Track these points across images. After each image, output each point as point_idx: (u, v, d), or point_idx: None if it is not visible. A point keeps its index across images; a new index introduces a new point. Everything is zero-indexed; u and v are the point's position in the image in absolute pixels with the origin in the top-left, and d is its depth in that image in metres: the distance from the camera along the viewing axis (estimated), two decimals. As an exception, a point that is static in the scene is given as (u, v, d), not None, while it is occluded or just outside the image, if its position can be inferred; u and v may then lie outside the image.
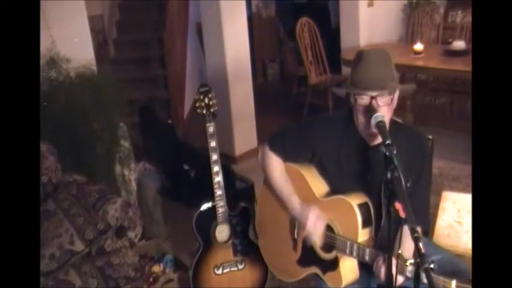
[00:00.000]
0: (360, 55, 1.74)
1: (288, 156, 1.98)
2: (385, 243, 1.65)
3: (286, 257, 2.01)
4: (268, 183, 2.06)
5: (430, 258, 1.46)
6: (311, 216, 1.84)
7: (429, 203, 1.95)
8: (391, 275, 1.57)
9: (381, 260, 1.70)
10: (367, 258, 1.74)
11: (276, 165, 2.00)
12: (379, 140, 1.74)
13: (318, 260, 1.90)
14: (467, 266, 1.65)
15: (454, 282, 1.50)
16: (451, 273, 1.59)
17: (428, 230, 1.94)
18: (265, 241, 2.17)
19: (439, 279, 1.52)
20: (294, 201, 1.93)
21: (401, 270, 1.60)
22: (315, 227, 1.85)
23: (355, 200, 1.77)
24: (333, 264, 1.84)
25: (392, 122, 1.77)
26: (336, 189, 1.88)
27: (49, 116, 2.58)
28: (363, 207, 1.77)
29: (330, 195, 1.87)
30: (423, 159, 1.86)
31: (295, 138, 1.95)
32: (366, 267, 1.86)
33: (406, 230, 1.67)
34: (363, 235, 1.76)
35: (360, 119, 1.74)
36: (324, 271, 1.88)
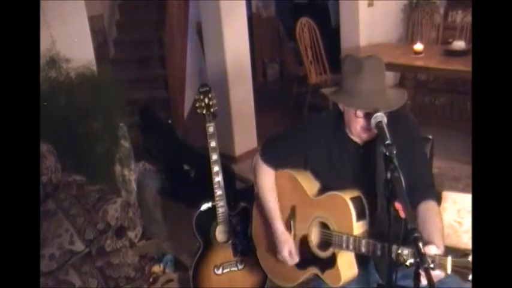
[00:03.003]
0: (359, 65, 1.70)
1: (280, 164, 2.01)
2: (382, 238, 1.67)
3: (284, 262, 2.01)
4: (258, 195, 2.08)
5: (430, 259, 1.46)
6: (285, 254, 1.95)
7: (432, 176, 1.93)
8: (391, 273, 1.56)
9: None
10: (363, 249, 1.74)
11: (266, 179, 2.03)
12: (369, 138, 1.78)
13: (316, 259, 1.91)
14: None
15: (449, 259, 1.50)
16: None
17: (440, 202, 1.93)
18: (263, 250, 2.17)
19: (435, 256, 1.52)
20: (276, 226, 1.99)
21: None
22: (286, 262, 1.97)
23: (347, 195, 1.78)
24: (331, 262, 1.84)
25: None
26: (329, 188, 1.88)
27: (49, 116, 2.57)
28: (356, 200, 1.78)
29: (323, 192, 1.88)
30: (411, 137, 1.85)
31: (286, 147, 1.97)
32: (365, 267, 1.87)
33: (429, 217, 1.71)
34: (358, 228, 1.77)
35: (358, 128, 1.76)
36: (323, 270, 1.88)
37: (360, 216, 1.77)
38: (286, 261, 1.97)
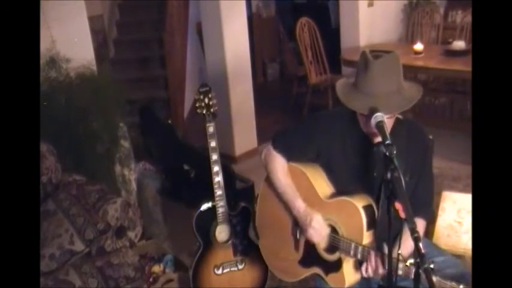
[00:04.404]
0: (368, 64, 1.65)
1: (292, 155, 1.96)
2: (383, 240, 1.67)
3: (288, 257, 2.00)
4: (270, 182, 2.03)
5: (431, 259, 1.47)
6: (315, 224, 1.84)
7: (434, 195, 1.94)
8: (391, 274, 1.56)
9: (372, 256, 1.70)
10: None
11: (279, 164, 1.98)
12: (372, 134, 1.76)
13: (321, 260, 1.90)
14: (468, 269, 1.65)
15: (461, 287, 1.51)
16: (453, 276, 1.59)
17: (433, 221, 1.95)
18: (266, 241, 2.16)
19: (447, 284, 1.52)
20: (298, 204, 1.91)
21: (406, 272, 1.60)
22: (317, 235, 1.86)
23: (360, 202, 1.76)
24: (336, 266, 1.84)
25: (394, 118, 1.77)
26: (341, 186, 1.87)
27: (49, 116, 2.57)
28: (368, 209, 1.76)
29: (335, 196, 1.86)
30: (425, 153, 1.85)
31: (300, 137, 1.93)
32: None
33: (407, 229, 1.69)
34: (367, 237, 1.76)
35: (361, 118, 1.75)
36: (327, 272, 1.87)
37: (370, 225, 1.76)
38: (317, 234, 1.86)
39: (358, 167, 1.84)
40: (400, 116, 1.80)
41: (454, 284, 1.53)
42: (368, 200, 1.78)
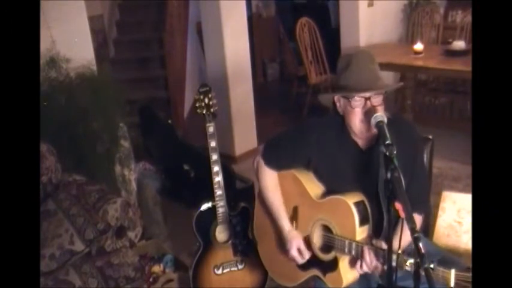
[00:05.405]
0: (349, 59, 1.78)
1: (283, 167, 2.00)
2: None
3: (286, 262, 2.00)
4: (261, 197, 2.07)
5: (431, 259, 1.47)
6: (293, 251, 1.92)
7: (429, 192, 1.96)
8: (391, 273, 1.56)
9: (366, 251, 1.71)
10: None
11: (270, 180, 2.02)
12: (371, 143, 1.79)
13: (318, 261, 1.90)
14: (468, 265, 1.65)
15: (453, 272, 1.50)
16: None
17: (430, 216, 1.95)
18: (265, 247, 2.16)
19: (438, 269, 1.52)
20: (282, 225, 1.97)
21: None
22: (295, 259, 1.93)
23: (351, 199, 1.78)
24: (333, 265, 1.84)
25: None
26: (332, 191, 1.88)
27: (49, 116, 2.57)
28: (360, 205, 1.77)
29: (326, 195, 1.88)
30: (415, 150, 1.87)
31: (289, 148, 1.96)
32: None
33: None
34: (361, 233, 1.77)
35: (357, 122, 1.76)
36: (324, 272, 1.88)
37: (363, 221, 1.77)
38: (296, 259, 1.93)
39: (348, 174, 1.85)
40: (388, 115, 1.81)
41: (445, 269, 1.52)
42: (359, 196, 1.80)
